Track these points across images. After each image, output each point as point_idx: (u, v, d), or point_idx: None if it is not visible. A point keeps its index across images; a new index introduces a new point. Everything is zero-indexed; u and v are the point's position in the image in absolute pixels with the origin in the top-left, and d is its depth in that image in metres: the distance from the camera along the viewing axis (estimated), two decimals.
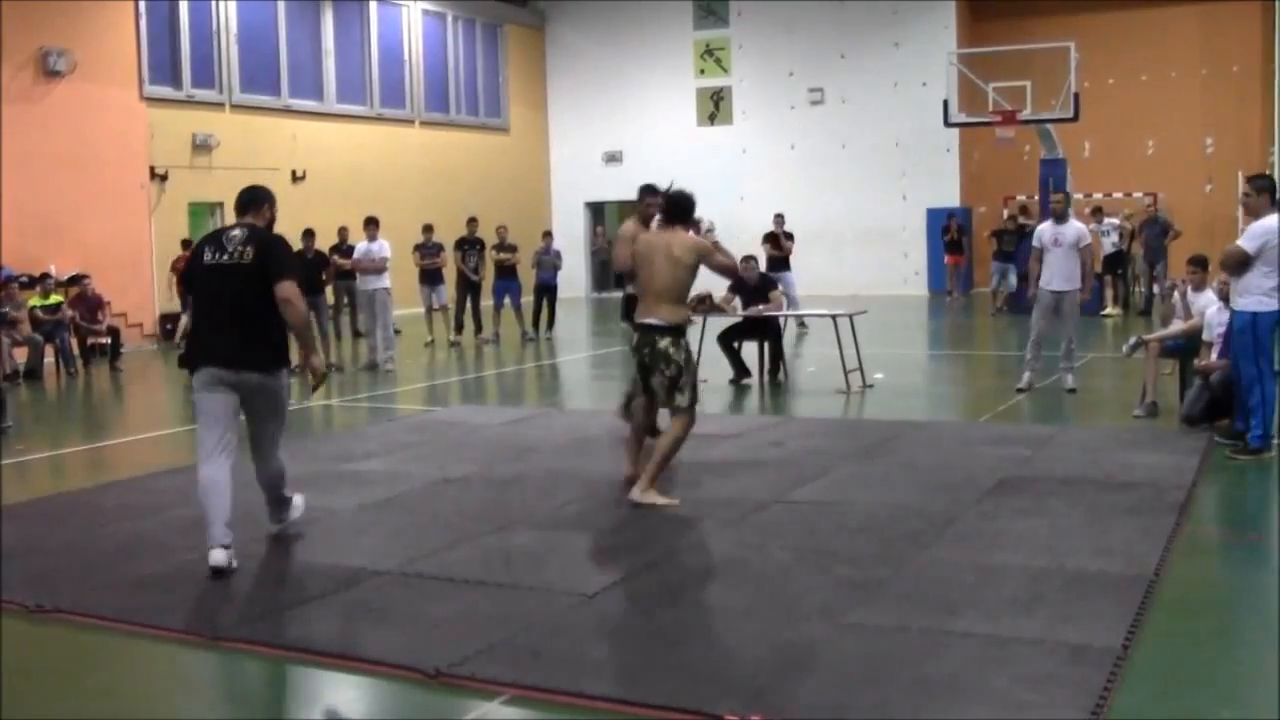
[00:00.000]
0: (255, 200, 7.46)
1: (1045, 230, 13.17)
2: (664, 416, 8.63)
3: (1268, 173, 10.38)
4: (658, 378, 8.23)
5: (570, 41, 32.80)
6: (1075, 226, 13.17)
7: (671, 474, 8.77)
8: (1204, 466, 9.00)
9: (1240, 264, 9.23)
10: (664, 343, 8.15)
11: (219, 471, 7.00)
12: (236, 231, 7.25)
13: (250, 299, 7.09)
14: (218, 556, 6.85)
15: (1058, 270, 12.92)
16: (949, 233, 26.69)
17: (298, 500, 7.80)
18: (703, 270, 8.33)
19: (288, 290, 7.03)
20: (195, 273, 7.37)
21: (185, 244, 20.49)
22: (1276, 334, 9.31)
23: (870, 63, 29.42)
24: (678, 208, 8.49)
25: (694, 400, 8.29)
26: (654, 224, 9.09)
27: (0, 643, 5.86)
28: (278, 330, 7.17)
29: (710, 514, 7.89)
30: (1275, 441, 9.39)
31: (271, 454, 7.37)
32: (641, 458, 8.60)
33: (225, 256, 7.16)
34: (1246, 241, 9.21)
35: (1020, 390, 13.00)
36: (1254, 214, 9.38)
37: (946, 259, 27.08)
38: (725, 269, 8.83)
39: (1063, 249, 12.90)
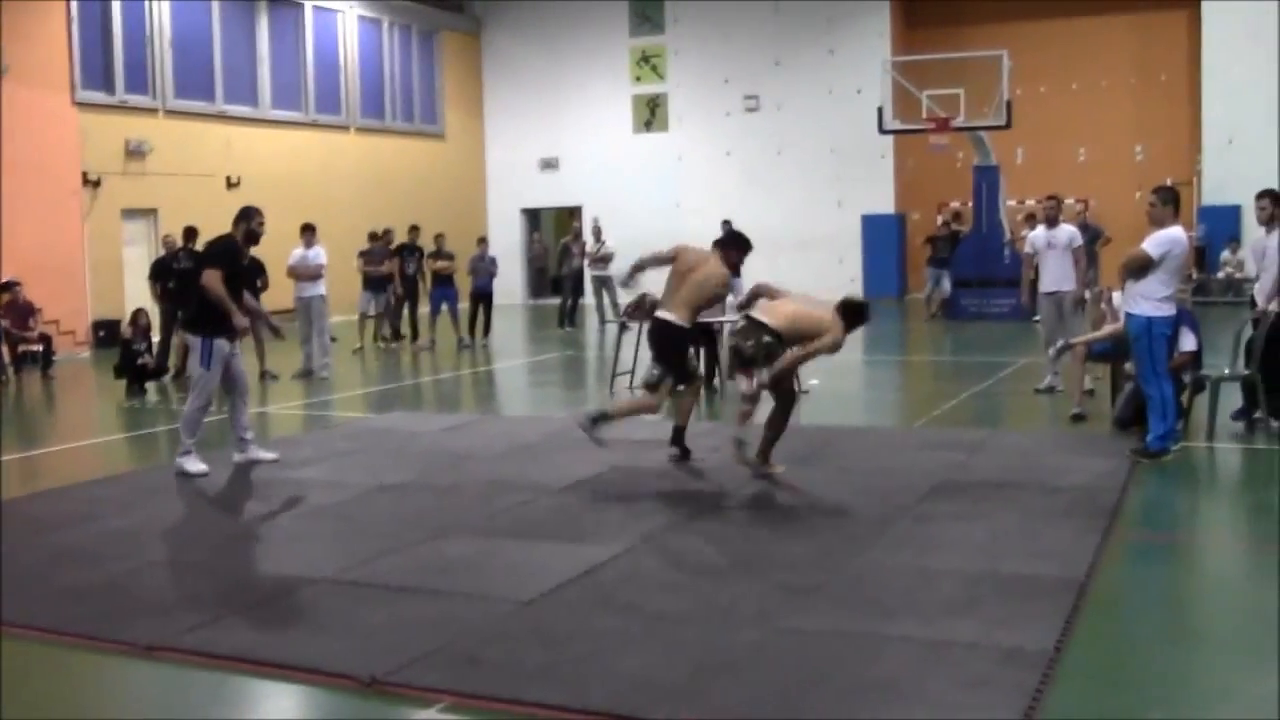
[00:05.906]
0: (241, 216, 10.36)
1: (1039, 236, 13.62)
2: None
3: (1170, 185, 10.66)
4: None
5: (506, 47, 32.67)
6: (1066, 229, 13.55)
7: (605, 478, 8.86)
8: (1134, 470, 9.09)
9: (1142, 268, 9.39)
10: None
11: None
12: (218, 237, 10.28)
13: (194, 280, 10.08)
14: None
15: (1054, 272, 13.34)
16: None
17: (182, 461, 9.87)
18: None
19: (203, 277, 9.90)
20: None
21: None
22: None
23: (805, 70, 29.53)
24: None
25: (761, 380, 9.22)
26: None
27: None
28: (201, 305, 9.92)
29: (647, 520, 7.90)
30: (1174, 446, 9.61)
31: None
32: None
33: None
34: (1152, 247, 9.36)
35: (1039, 390, 13.25)
36: (1158, 224, 9.53)
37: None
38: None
39: (1057, 251, 13.33)
